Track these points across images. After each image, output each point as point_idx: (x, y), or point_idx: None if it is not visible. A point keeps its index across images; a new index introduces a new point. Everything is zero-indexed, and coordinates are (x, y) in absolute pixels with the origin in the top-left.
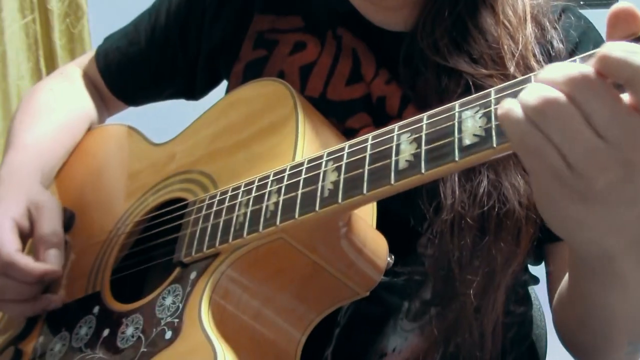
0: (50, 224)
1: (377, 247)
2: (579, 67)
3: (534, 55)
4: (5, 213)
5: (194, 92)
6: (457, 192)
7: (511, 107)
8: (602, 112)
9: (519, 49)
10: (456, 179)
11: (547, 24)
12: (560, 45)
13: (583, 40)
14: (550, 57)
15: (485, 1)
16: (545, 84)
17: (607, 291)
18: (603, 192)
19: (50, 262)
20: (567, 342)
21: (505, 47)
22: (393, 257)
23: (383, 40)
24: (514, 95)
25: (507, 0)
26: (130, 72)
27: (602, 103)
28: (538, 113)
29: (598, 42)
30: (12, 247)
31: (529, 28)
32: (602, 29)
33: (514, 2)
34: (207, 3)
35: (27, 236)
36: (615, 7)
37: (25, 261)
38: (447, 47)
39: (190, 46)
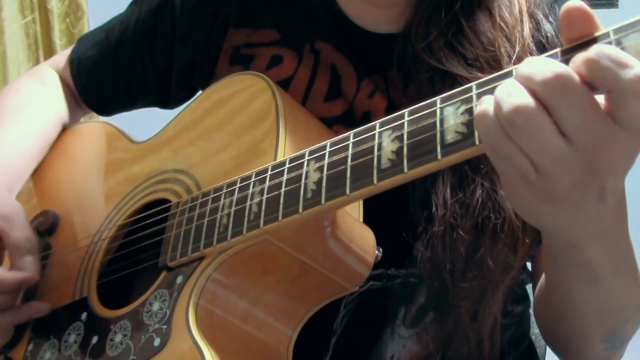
0: (22, 231)
1: (365, 242)
2: (556, 68)
3: (531, 56)
4: None
5: (168, 103)
6: (449, 202)
7: (485, 109)
8: (573, 118)
9: (516, 51)
10: (448, 188)
11: (541, 16)
12: (555, 40)
13: None
14: (546, 51)
15: (481, 3)
16: (521, 84)
17: (578, 283)
18: (568, 191)
19: (27, 269)
20: (547, 338)
21: (502, 49)
22: (381, 250)
23: (369, 45)
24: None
25: (503, 1)
26: (101, 87)
27: (574, 109)
28: (508, 122)
29: None
30: None
31: (526, 29)
32: None
33: (510, 3)
34: (178, 15)
35: None
36: (566, 5)
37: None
38: (442, 49)
39: (159, 57)
